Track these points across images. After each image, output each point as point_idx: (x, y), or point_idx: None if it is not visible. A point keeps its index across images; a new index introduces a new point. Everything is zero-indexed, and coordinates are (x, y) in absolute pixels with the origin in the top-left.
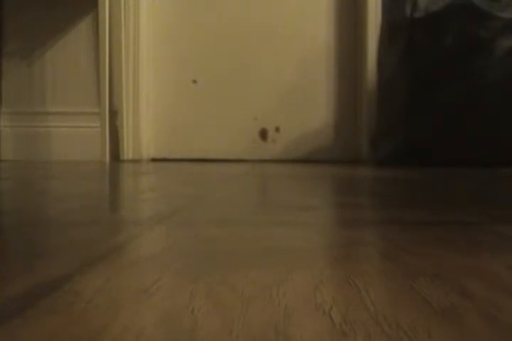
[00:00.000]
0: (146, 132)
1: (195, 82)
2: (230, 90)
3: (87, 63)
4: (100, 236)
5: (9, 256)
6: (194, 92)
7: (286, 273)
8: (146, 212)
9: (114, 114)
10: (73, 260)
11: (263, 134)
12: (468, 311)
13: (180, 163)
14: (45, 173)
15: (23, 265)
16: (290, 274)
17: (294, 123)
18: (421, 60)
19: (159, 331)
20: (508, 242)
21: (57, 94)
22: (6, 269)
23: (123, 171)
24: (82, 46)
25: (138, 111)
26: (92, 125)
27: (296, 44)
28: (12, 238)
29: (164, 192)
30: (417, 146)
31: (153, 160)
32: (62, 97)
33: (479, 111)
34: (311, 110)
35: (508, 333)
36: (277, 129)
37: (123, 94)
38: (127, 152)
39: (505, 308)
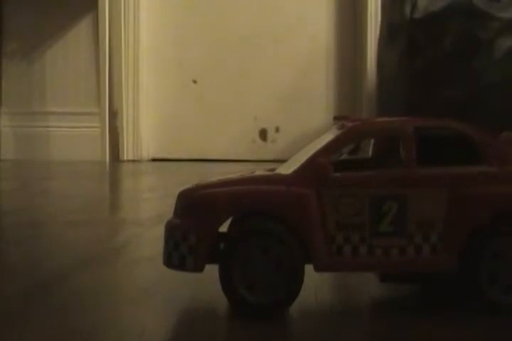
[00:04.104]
0: (146, 132)
1: (195, 82)
2: (229, 90)
3: (87, 63)
4: (100, 237)
5: (9, 255)
6: (194, 92)
7: None
8: (146, 213)
9: (114, 114)
10: (73, 260)
11: (263, 134)
12: None
13: (180, 163)
14: (45, 173)
15: (23, 265)
16: None
17: (294, 123)
18: (421, 60)
19: (159, 331)
20: None
21: (57, 94)
22: (6, 269)
23: (123, 171)
24: (82, 46)
25: (138, 112)
26: (92, 125)
27: (296, 44)
28: (12, 238)
29: (164, 193)
30: None
31: (153, 160)
32: (62, 97)
33: (479, 111)
34: (311, 110)
35: None
36: (277, 129)
37: (123, 94)
38: (127, 152)
39: None
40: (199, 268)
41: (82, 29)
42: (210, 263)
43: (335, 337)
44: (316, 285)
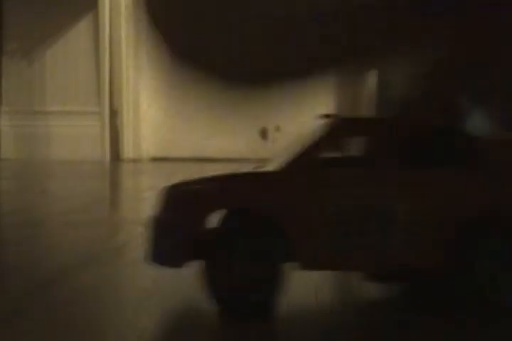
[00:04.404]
0: (146, 131)
1: (195, 81)
2: (229, 90)
3: (87, 62)
4: (100, 237)
5: (9, 255)
6: (194, 92)
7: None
8: (146, 212)
9: (114, 114)
10: (73, 260)
11: (263, 133)
12: None
13: (180, 162)
14: (45, 173)
15: (23, 265)
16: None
17: (294, 123)
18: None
19: (160, 330)
20: None
21: (58, 93)
22: (6, 269)
23: (123, 170)
24: (82, 46)
25: (138, 111)
26: (93, 124)
27: None
28: (12, 238)
29: None
30: None
31: (154, 159)
32: (62, 96)
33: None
34: (311, 110)
35: None
36: (278, 128)
37: (123, 93)
38: (127, 151)
39: None
40: (183, 264)
41: (82, 29)
42: (195, 259)
43: (335, 337)
44: (316, 285)
